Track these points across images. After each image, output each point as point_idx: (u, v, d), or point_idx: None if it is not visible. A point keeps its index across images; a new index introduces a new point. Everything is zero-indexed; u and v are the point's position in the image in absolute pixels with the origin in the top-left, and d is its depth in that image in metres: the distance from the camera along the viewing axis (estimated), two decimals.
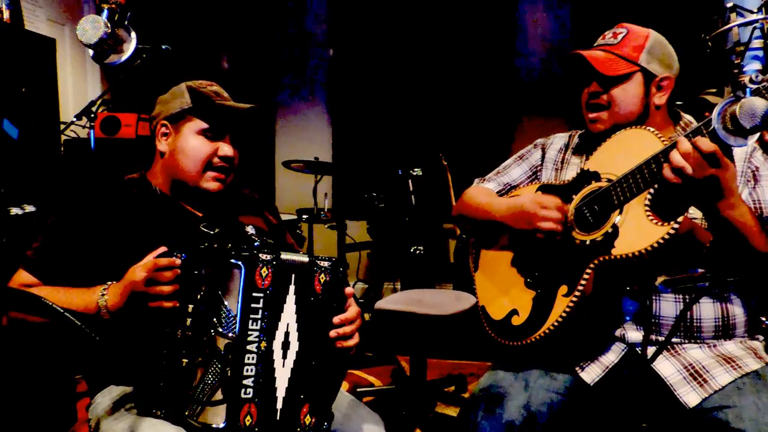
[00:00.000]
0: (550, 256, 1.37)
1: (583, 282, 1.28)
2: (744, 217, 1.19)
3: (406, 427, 2.53)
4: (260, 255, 1.15)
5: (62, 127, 2.80)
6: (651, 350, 1.32)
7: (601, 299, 1.32)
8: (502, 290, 1.48)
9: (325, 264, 1.24)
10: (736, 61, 0.96)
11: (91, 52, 1.00)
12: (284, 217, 3.64)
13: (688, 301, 1.31)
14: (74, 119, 2.83)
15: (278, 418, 1.15)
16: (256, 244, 1.36)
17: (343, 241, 3.83)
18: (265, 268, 1.15)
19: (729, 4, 0.96)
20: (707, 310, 1.33)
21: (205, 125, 1.38)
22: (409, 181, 3.81)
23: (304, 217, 3.71)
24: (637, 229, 1.22)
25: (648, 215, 1.21)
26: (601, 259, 1.26)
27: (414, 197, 3.82)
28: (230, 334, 1.12)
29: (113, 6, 1.00)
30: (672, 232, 1.15)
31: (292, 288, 1.19)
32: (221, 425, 1.08)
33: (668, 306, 1.33)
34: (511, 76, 4.67)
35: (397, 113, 4.76)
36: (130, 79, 3.24)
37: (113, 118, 3.23)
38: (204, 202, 1.45)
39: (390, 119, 4.78)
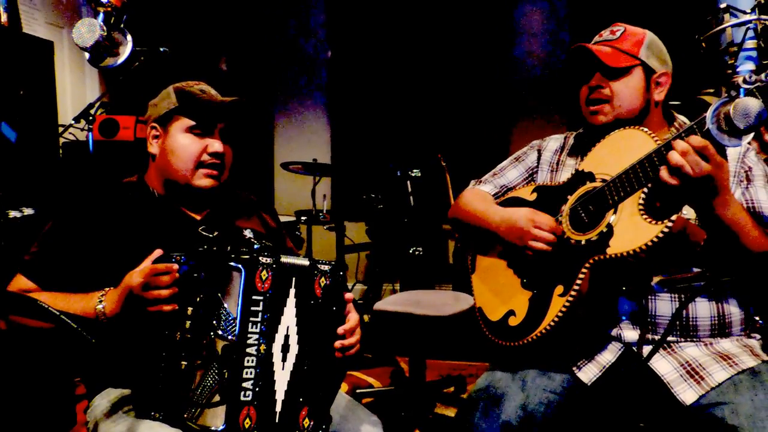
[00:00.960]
0: (546, 257, 1.38)
1: (578, 282, 1.29)
2: (737, 216, 1.20)
3: (405, 429, 2.54)
4: (260, 258, 1.16)
5: (60, 129, 2.80)
6: (647, 349, 1.33)
7: (598, 299, 1.33)
8: (498, 291, 1.49)
9: (326, 267, 1.25)
10: (729, 62, 0.97)
11: (87, 55, 1.00)
12: (283, 218, 3.64)
13: (683, 300, 1.32)
14: (72, 122, 2.84)
15: (277, 420, 1.15)
16: (255, 247, 1.37)
17: (341, 242, 3.83)
18: (265, 272, 1.16)
19: (722, 5, 0.97)
20: (703, 308, 1.33)
21: (191, 122, 1.39)
22: (408, 182, 3.82)
23: (303, 218, 3.72)
24: (631, 228, 1.23)
25: (642, 214, 1.22)
26: (597, 258, 1.27)
27: (413, 198, 3.82)
28: (230, 337, 1.12)
29: (109, 9, 1.00)
30: (666, 230, 1.16)
31: (292, 291, 1.20)
32: (220, 427, 1.09)
33: (664, 305, 1.34)
34: (509, 77, 4.68)
35: (396, 114, 4.77)
36: (128, 81, 3.26)
37: (112, 120, 3.24)
38: (201, 203, 1.45)
39: (388, 120, 4.79)
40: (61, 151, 2.96)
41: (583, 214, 1.35)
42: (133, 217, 1.36)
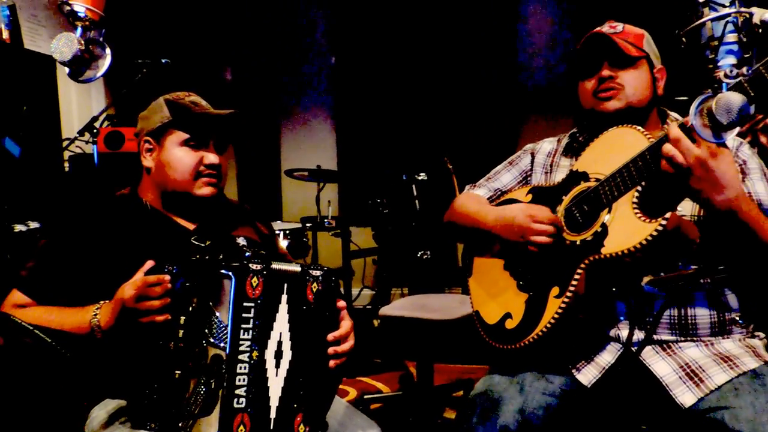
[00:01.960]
0: (542, 258, 1.37)
1: (574, 282, 1.27)
2: (752, 212, 1.17)
3: None
4: (250, 265, 1.16)
5: (65, 143, 2.84)
6: (648, 350, 1.31)
7: (595, 299, 1.31)
8: (495, 294, 1.48)
9: (318, 273, 1.25)
10: (710, 56, 0.95)
11: (67, 69, 1.01)
12: (289, 225, 3.66)
13: (668, 299, 1.30)
14: (77, 135, 2.87)
15: (272, 427, 1.15)
16: (246, 254, 1.37)
17: (347, 248, 3.83)
18: (255, 278, 1.16)
19: None
20: (702, 307, 1.31)
21: (186, 136, 1.40)
22: (414, 186, 3.81)
23: (308, 225, 3.72)
24: (626, 227, 1.22)
25: (636, 213, 1.21)
26: (592, 258, 1.26)
27: (419, 202, 3.82)
28: (222, 345, 1.13)
29: (86, 23, 1.01)
30: (660, 228, 1.15)
31: (284, 297, 1.20)
32: None
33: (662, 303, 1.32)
34: (514, 79, 4.66)
35: (401, 118, 4.77)
36: (133, 93, 3.28)
37: (117, 132, 3.26)
38: (196, 213, 1.46)
39: (393, 124, 4.79)
40: (67, 164, 2.99)
41: (577, 215, 1.34)
42: (126, 230, 1.37)
